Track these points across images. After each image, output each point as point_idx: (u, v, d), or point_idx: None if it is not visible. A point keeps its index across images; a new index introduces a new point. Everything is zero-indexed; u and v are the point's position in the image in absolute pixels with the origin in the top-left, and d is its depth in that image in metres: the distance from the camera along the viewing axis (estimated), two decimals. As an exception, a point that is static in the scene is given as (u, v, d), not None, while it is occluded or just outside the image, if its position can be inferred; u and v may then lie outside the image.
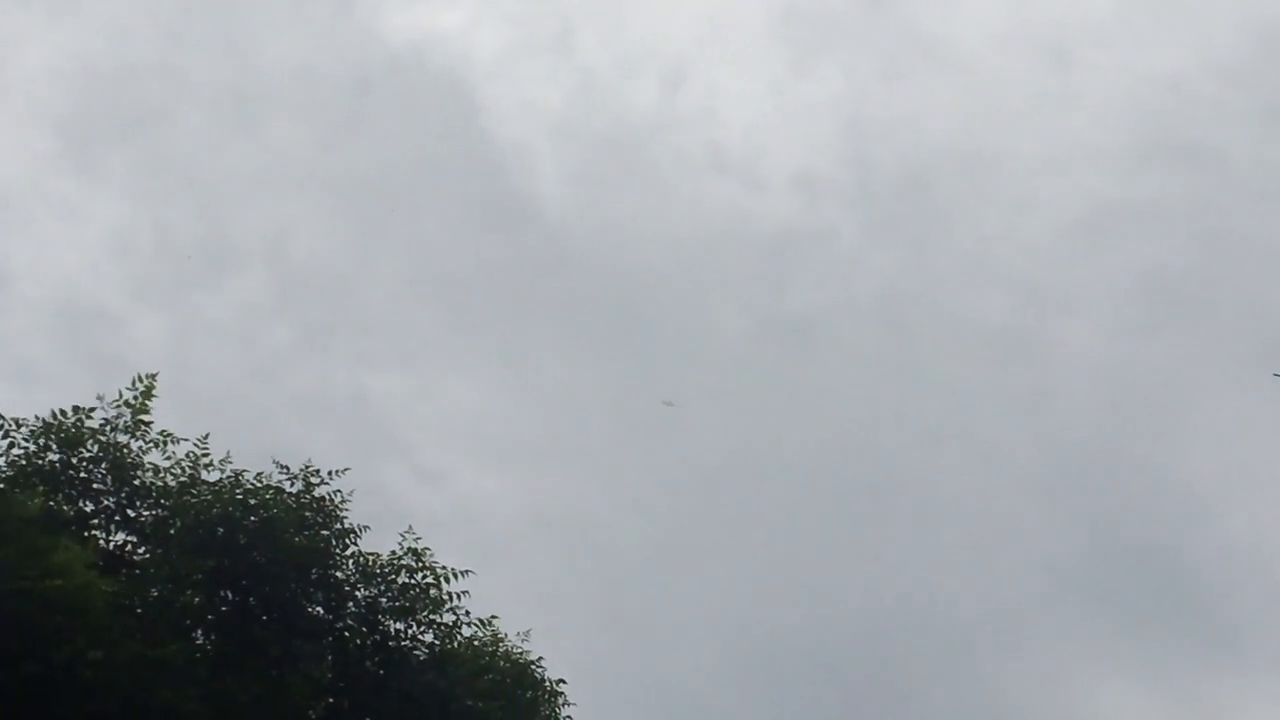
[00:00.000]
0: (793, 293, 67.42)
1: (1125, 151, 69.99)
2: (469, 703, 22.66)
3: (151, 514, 22.66)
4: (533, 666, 24.64)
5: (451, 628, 23.56)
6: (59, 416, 22.21)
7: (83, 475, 22.31)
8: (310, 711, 23.06)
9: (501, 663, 24.42)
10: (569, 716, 25.71)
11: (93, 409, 22.51)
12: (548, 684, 25.20)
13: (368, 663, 23.35)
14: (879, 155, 70.06)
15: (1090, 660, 55.17)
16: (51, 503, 21.45)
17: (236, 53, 65.39)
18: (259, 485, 22.72)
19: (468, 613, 23.74)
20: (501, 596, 26.67)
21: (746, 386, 63.34)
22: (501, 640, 24.87)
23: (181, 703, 19.71)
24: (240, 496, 22.63)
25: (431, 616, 23.56)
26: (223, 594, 22.26)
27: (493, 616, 24.20)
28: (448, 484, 58.64)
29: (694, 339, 64.30)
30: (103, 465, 22.40)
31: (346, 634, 23.35)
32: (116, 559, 21.98)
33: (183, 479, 22.95)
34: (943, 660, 53.26)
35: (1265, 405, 61.06)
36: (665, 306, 65.50)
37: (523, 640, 25.25)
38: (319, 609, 23.15)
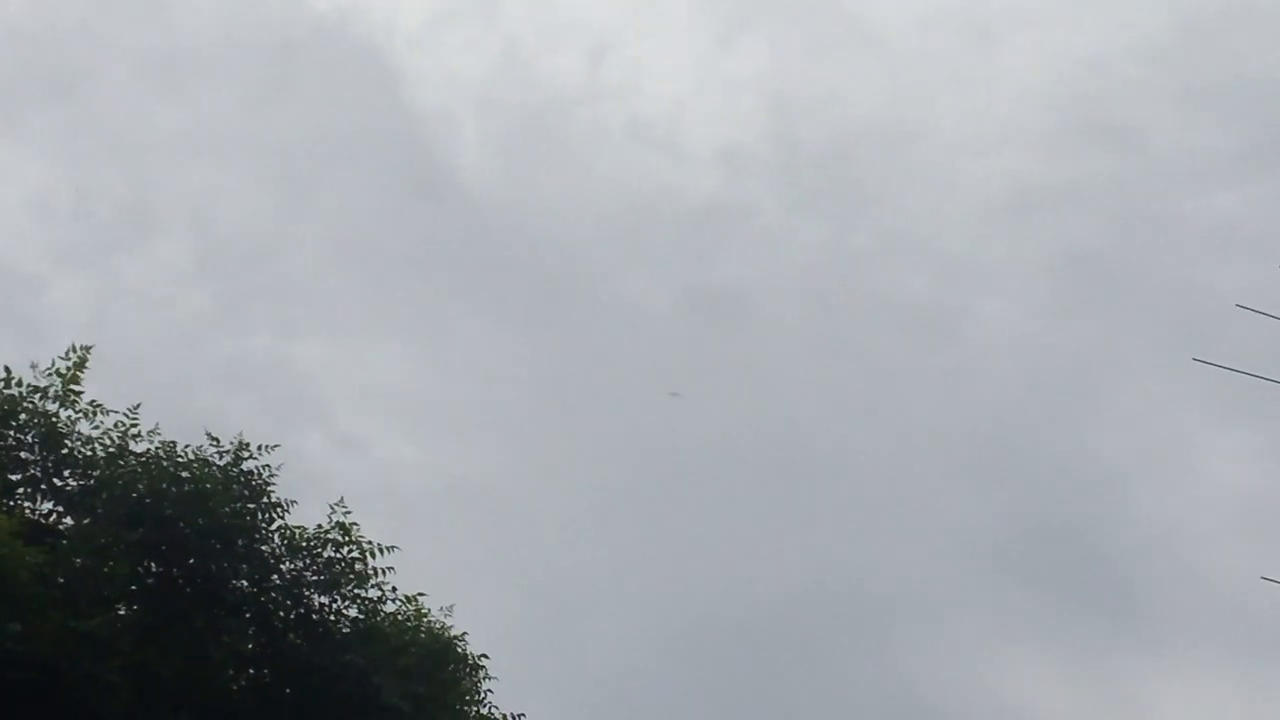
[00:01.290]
0: (716, 267, 67.67)
1: (1048, 132, 70.72)
2: (390, 680, 22.78)
3: (79, 484, 22.69)
4: (455, 642, 24.77)
5: (376, 603, 23.72)
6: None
7: (10, 443, 22.31)
8: (232, 684, 23.23)
9: (424, 637, 24.56)
10: (490, 690, 25.93)
11: (19, 380, 22.51)
12: (470, 659, 25.38)
13: (291, 635, 23.49)
14: (803, 131, 70.41)
15: (1007, 636, 55.96)
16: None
17: (160, 14, 64.62)
18: (189, 458, 22.79)
19: (394, 589, 23.92)
20: (421, 567, 26.80)
21: (668, 360, 63.54)
22: (425, 615, 25.03)
23: (103, 674, 19.81)
24: (168, 468, 22.74)
25: (356, 591, 23.71)
26: (147, 565, 22.34)
27: (419, 594, 24.35)
28: (368, 452, 58.66)
29: (616, 311, 64.41)
30: (30, 434, 22.40)
31: (270, 606, 23.49)
32: (42, 529, 21.95)
33: (110, 450, 23.00)
34: (862, 635, 53.80)
35: (1181, 386, 62.10)
36: (588, 278, 65.60)
37: (446, 615, 25.41)
38: (243, 582, 23.27)
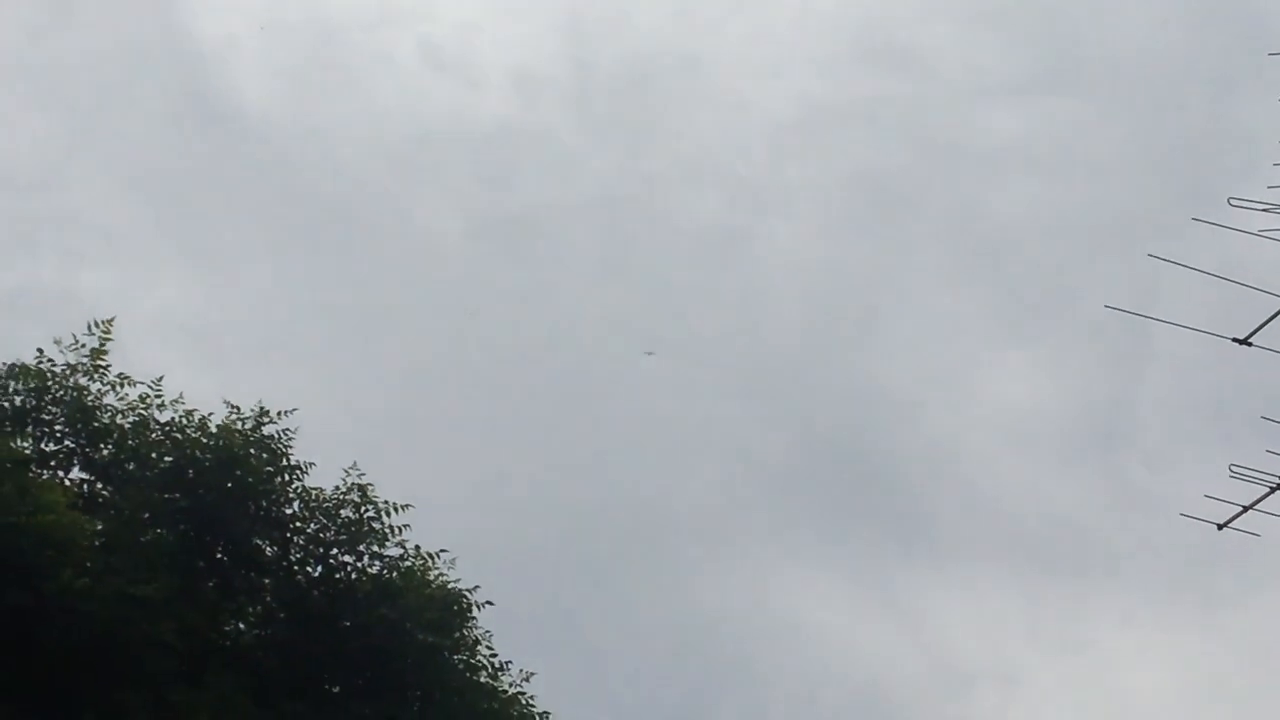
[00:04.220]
0: (509, 193, 67.19)
1: (836, 54, 70.89)
2: (420, 637, 23.88)
3: (110, 454, 23.54)
4: (465, 594, 25.59)
5: (399, 560, 24.75)
6: (24, 363, 23.04)
7: (45, 417, 23.13)
8: (260, 642, 24.20)
9: (435, 589, 25.50)
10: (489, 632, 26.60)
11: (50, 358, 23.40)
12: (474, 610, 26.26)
13: (315, 592, 24.49)
14: (596, 54, 70.43)
15: (793, 556, 56.20)
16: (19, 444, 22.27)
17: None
18: (217, 428, 23.71)
19: (417, 547, 24.89)
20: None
21: (462, 287, 63.32)
22: (433, 570, 25.92)
23: (160, 635, 20.77)
24: (195, 436, 23.67)
25: (376, 549, 24.74)
26: (182, 530, 23.25)
27: (441, 550, 25.28)
28: (159, 386, 58.07)
29: (409, 239, 63.82)
30: (64, 407, 23.22)
31: (294, 566, 24.51)
32: (78, 498, 22.77)
33: (135, 420, 23.88)
34: (650, 556, 53.89)
35: (963, 307, 64.15)
36: (379, 206, 64.73)
37: (450, 568, 26.16)
38: (267, 544, 24.26)
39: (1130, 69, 67.05)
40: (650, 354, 48.22)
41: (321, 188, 64.14)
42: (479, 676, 25.51)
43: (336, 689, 24.62)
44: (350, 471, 24.97)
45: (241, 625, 24.39)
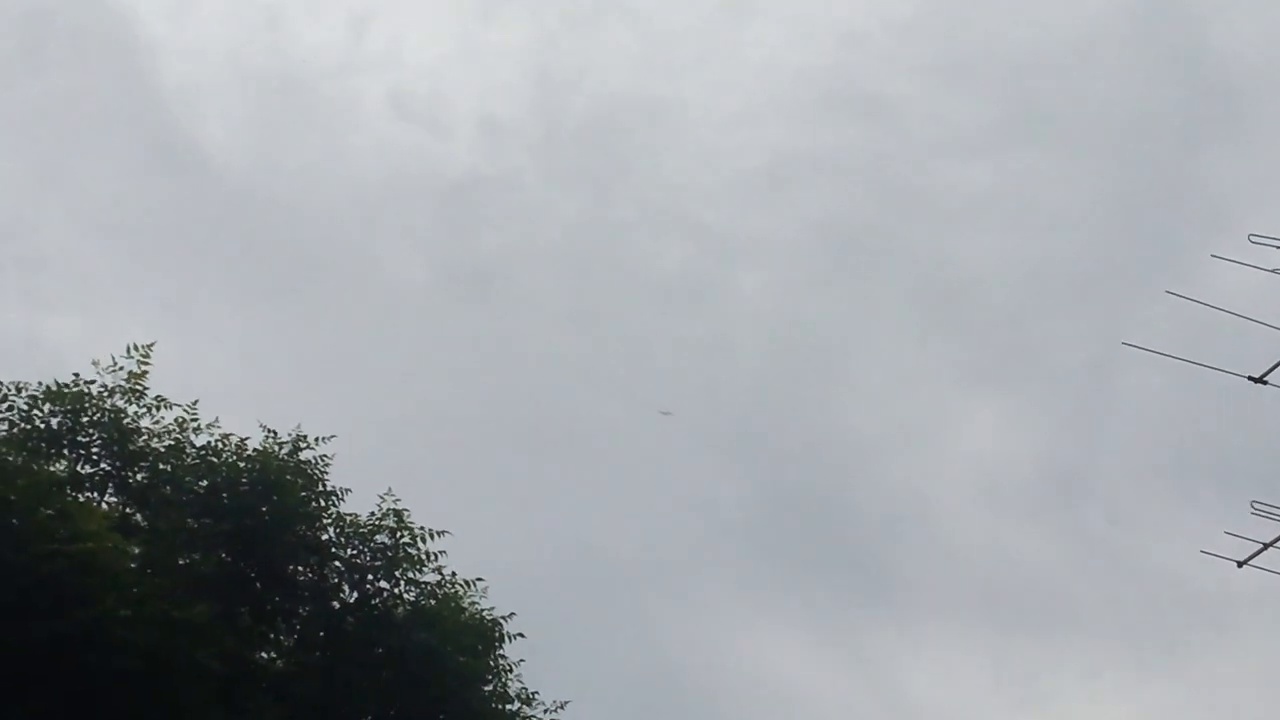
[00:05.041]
0: (475, 240, 67.40)
1: (804, 104, 71.24)
2: (460, 659, 23.64)
3: (146, 478, 23.29)
4: (501, 621, 25.33)
5: (435, 586, 24.50)
6: (60, 385, 22.80)
7: (82, 439, 22.88)
8: (296, 667, 23.92)
9: (468, 617, 25.28)
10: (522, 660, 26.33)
11: (91, 380, 23.15)
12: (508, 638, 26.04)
13: (349, 618, 24.23)
14: (564, 103, 70.53)
15: (755, 609, 55.83)
16: (56, 466, 22.03)
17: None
18: (255, 451, 23.48)
19: (454, 574, 24.65)
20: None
21: (428, 334, 63.11)
22: (465, 595, 25.68)
23: (204, 660, 20.48)
24: (232, 460, 23.44)
25: (411, 575, 24.48)
26: (221, 555, 22.99)
27: (477, 579, 25.03)
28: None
29: (375, 287, 63.58)
30: (102, 430, 22.96)
31: (328, 593, 24.24)
32: (116, 521, 22.50)
33: (170, 444, 23.63)
34: (613, 605, 53.57)
35: (929, 360, 64.00)
36: (345, 254, 64.76)
37: (482, 596, 25.96)
38: (305, 570, 24.01)
39: (1096, 123, 67.19)
40: (667, 414, 47.54)
41: (288, 236, 63.80)
42: (511, 705, 25.30)
43: (369, 718, 24.38)
44: (386, 497, 24.80)
45: (274, 652, 24.10)
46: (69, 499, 20.45)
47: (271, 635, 23.73)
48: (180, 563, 22.08)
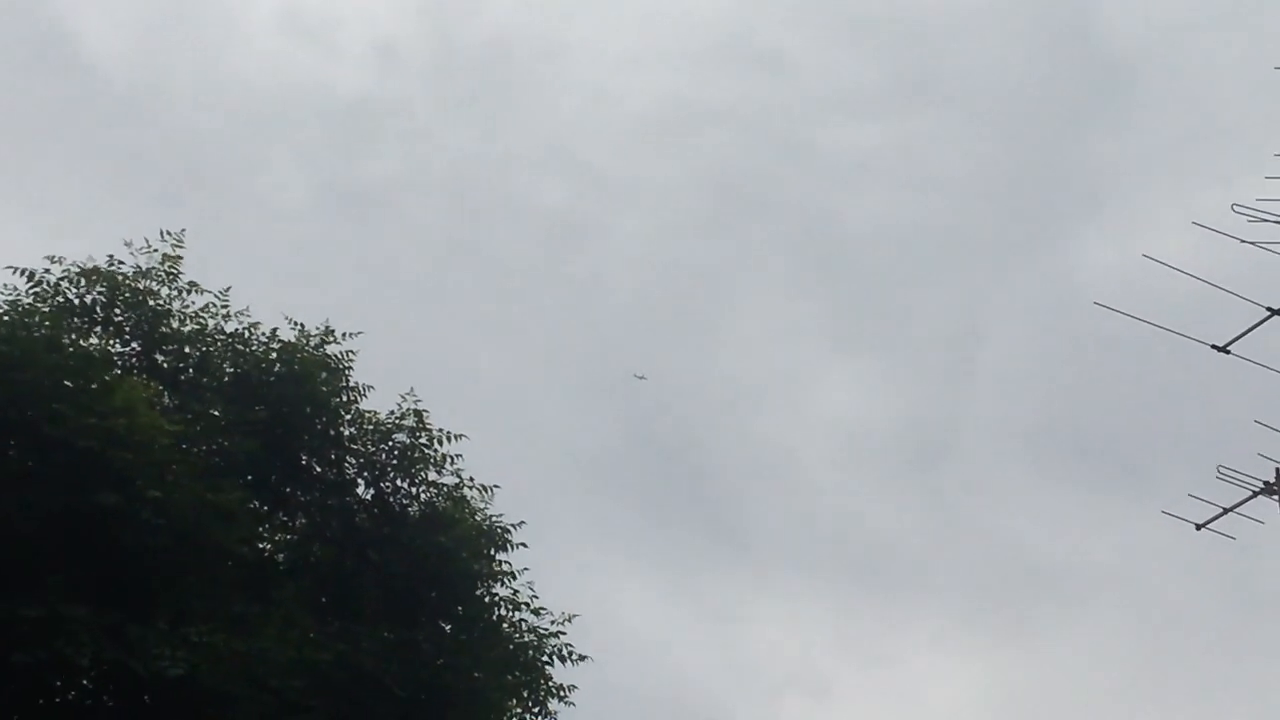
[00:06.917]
0: (360, 165, 66.63)
1: (699, 52, 71.17)
2: (475, 566, 23.79)
3: (174, 361, 23.28)
4: (511, 529, 25.42)
5: (454, 489, 24.59)
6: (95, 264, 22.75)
7: (116, 318, 22.82)
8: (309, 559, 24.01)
9: (478, 520, 25.31)
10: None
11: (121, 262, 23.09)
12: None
13: (364, 514, 24.33)
14: (459, 32, 69.83)
15: (614, 555, 56.17)
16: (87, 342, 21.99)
17: None
18: (285, 342, 23.50)
19: (472, 478, 24.67)
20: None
21: (303, 256, 62.35)
22: (471, 501, 25.74)
23: (231, 545, 20.60)
24: (261, 349, 23.47)
25: (428, 476, 24.56)
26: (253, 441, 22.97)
27: (495, 485, 25.06)
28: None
29: (258, 204, 62.94)
30: (134, 310, 22.92)
31: (344, 487, 24.32)
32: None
33: (198, 328, 23.62)
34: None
35: (803, 316, 64.19)
36: (229, 170, 64.02)
37: (487, 502, 25.97)
38: (325, 464, 24.08)
39: (985, 92, 67.26)
40: (641, 378, 47.28)
41: (172, 148, 62.45)
42: (520, 612, 25.45)
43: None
44: (406, 397, 24.83)
45: (290, 536, 24.18)
46: (110, 375, 20.31)
47: (290, 525, 23.76)
48: (211, 447, 22.07)
